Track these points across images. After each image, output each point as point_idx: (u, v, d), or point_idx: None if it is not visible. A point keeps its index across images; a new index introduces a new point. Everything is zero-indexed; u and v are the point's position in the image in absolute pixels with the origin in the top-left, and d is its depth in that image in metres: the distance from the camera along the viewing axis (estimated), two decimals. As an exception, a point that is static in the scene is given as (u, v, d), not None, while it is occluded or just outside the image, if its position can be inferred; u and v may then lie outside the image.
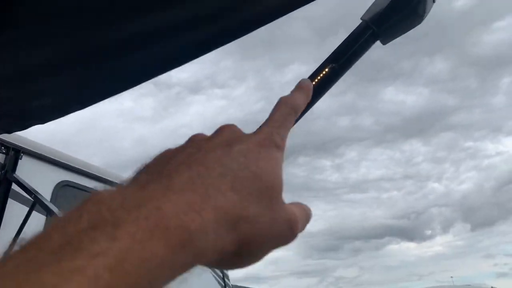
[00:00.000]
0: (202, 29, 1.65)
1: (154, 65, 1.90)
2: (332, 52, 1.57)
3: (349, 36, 1.58)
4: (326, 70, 1.54)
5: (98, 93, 2.04)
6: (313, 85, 1.51)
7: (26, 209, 2.57)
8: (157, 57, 1.84)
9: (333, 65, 1.57)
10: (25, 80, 1.92)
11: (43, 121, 2.27)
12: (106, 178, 3.40)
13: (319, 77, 1.53)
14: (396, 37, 1.60)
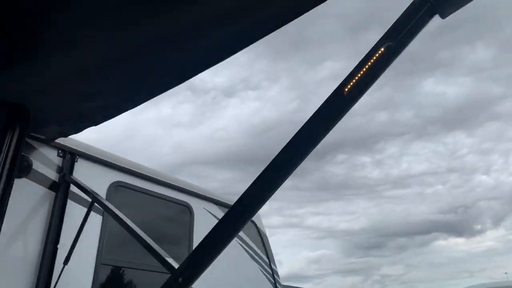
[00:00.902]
0: (229, 27, 1.68)
1: (194, 63, 1.92)
2: (387, 30, 1.49)
3: (405, 11, 1.49)
4: (382, 49, 1.46)
5: (146, 91, 2.08)
6: (369, 66, 1.44)
7: (81, 208, 2.69)
8: (196, 56, 1.86)
9: (389, 43, 1.49)
10: (77, 83, 1.99)
11: (96, 122, 2.35)
12: (156, 178, 3.48)
13: (374, 58, 1.45)
14: (455, 10, 1.49)
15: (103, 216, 2.91)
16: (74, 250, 2.47)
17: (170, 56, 1.82)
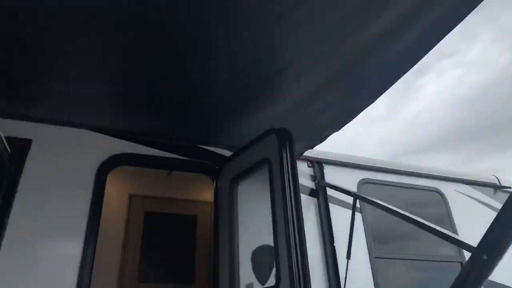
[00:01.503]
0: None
1: (415, 50, 1.89)
2: None
3: None
4: None
5: (377, 88, 2.16)
6: None
7: (336, 207, 2.99)
8: (415, 40, 1.83)
9: None
10: (317, 96, 2.23)
11: (338, 128, 2.58)
12: (397, 169, 3.53)
13: None
14: None
15: (361, 213, 3.11)
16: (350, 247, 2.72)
17: (393, 47, 1.85)
